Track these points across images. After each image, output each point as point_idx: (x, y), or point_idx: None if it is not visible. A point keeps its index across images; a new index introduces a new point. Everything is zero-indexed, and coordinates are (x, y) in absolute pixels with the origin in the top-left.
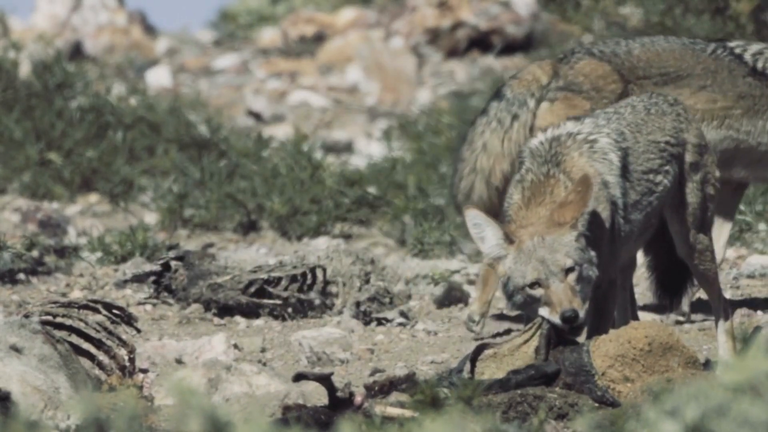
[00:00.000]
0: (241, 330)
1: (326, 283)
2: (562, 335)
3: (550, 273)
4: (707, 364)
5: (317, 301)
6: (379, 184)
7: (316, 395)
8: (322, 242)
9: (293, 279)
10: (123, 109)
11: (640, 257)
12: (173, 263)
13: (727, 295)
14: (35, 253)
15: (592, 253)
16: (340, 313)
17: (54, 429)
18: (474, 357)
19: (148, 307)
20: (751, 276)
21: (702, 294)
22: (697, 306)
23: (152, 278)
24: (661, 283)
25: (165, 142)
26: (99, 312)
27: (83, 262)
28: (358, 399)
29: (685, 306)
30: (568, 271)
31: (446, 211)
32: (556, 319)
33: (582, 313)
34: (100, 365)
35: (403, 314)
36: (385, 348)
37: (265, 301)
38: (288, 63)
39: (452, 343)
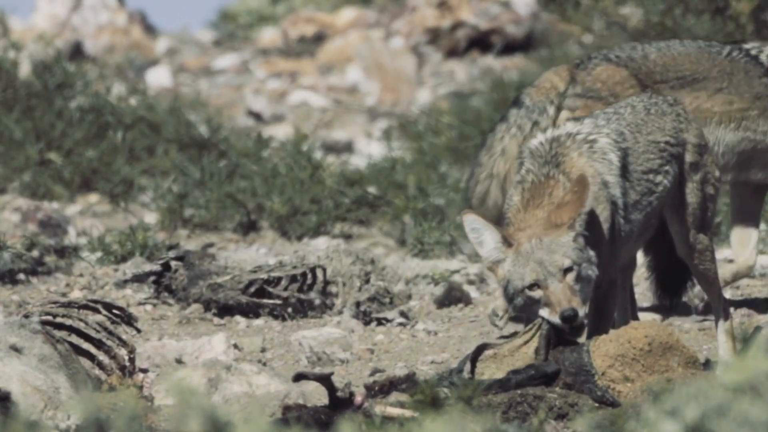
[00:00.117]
0: (241, 330)
1: (326, 283)
2: (562, 336)
3: (548, 274)
4: (707, 364)
5: (317, 301)
6: (379, 184)
7: (316, 395)
8: (322, 242)
9: (293, 279)
10: (123, 109)
11: (640, 257)
12: (173, 263)
13: (727, 295)
14: (35, 253)
15: (591, 253)
16: (340, 313)
17: (54, 429)
18: (474, 357)
19: (148, 307)
20: (751, 276)
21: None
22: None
23: (152, 278)
24: (661, 283)
25: (165, 142)
26: (99, 312)
27: (83, 262)
28: (358, 399)
29: (697, 300)
30: (567, 271)
31: (446, 211)
32: (555, 319)
33: (581, 312)
34: (100, 365)
35: (403, 314)
36: (385, 348)
37: (265, 301)
38: (288, 63)
39: (452, 343)
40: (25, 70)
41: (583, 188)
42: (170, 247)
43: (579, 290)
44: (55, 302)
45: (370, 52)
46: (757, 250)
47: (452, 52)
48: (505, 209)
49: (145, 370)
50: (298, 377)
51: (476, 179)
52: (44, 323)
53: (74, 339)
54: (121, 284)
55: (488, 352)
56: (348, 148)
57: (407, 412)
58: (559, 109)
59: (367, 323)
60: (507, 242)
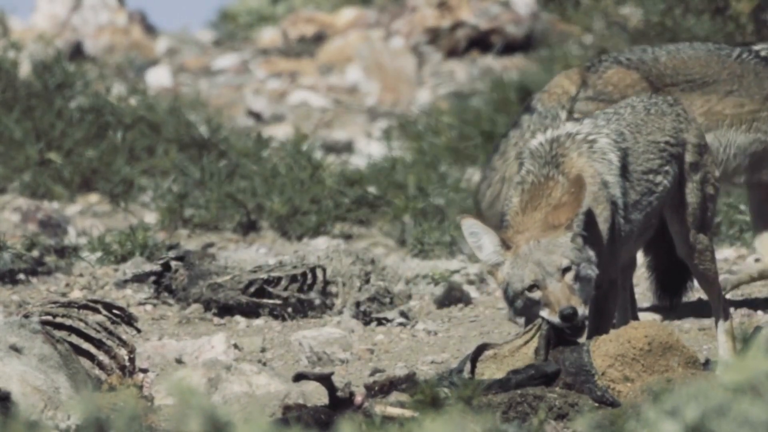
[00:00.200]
0: (241, 330)
1: (326, 283)
2: (562, 336)
3: (547, 274)
4: (707, 364)
5: (317, 301)
6: (379, 184)
7: (316, 395)
8: (322, 242)
9: (293, 279)
10: (123, 109)
11: (640, 257)
12: (173, 263)
13: (727, 295)
14: (35, 253)
15: (591, 253)
16: (340, 313)
17: (54, 429)
18: (474, 357)
19: (148, 307)
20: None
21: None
22: (697, 306)
23: (152, 278)
24: (661, 283)
25: (165, 142)
26: (99, 312)
27: (83, 262)
28: (358, 399)
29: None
30: (565, 270)
31: (446, 211)
32: (555, 319)
33: (581, 311)
34: (100, 365)
35: (403, 314)
36: (385, 348)
37: (265, 301)
38: (288, 63)
39: (452, 343)
40: (25, 70)
41: (579, 188)
42: (170, 247)
43: (579, 289)
44: (55, 302)
45: (370, 52)
46: None
47: (452, 52)
48: (504, 210)
49: (145, 370)
50: (298, 377)
51: (489, 182)
52: (44, 323)
53: (74, 339)
54: (121, 284)
55: (488, 353)
56: (348, 148)
57: (407, 412)
58: (570, 113)
59: (367, 323)
60: (505, 245)
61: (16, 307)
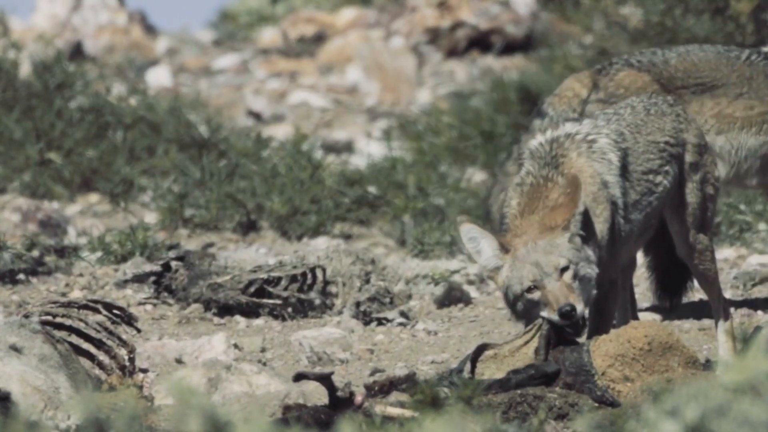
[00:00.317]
0: (241, 330)
1: (326, 283)
2: (563, 335)
3: (545, 274)
4: (707, 364)
5: (317, 301)
6: (379, 184)
7: (316, 395)
8: (322, 242)
9: (293, 279)
10: (123, 109)
11: (640, 257)
12: (173, 263)
13: (727, 295)
14: (35, 253)
15: (590, 252)
16: (340, 313)
17: (54, 429)
18: (474, 357)
19: (148, 307)
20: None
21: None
22: (697, 306)
23: (152, 278)
24: (661, 283)
25: (165, 142)
26: (99, 312)
27: (83, 262)
28: (358, 399)
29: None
30: (563, 270)
31: (446, 211)
32: (554, 317)
33: (580, 308)
34: (100, 365)
35: (403, 314)
36: (385, 348)
37: (265, 301)
38: (288, 63)
39: (452, 343)
40: (25, 70)
41: (575, 189)
42: (170, 247)
43: (578, 288)
44: (55, 302)
45: (370, 52)
46: None
47: (452, 52)
48: (504, 213)
49: (145, 370)
50: (298, 377)
51: (502, 186)
52: (44, 323)
53: (74, 339)
54: (121, 284)
55: (488, 353)
56: (348, 148)
57: (407, 412)
58: (581, 116)
59: (367, 323)
60: (504, 249)
61: (16, 307)
